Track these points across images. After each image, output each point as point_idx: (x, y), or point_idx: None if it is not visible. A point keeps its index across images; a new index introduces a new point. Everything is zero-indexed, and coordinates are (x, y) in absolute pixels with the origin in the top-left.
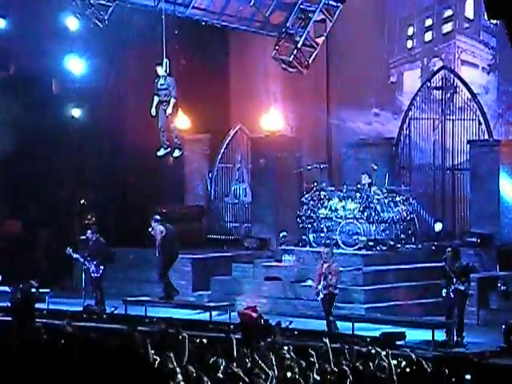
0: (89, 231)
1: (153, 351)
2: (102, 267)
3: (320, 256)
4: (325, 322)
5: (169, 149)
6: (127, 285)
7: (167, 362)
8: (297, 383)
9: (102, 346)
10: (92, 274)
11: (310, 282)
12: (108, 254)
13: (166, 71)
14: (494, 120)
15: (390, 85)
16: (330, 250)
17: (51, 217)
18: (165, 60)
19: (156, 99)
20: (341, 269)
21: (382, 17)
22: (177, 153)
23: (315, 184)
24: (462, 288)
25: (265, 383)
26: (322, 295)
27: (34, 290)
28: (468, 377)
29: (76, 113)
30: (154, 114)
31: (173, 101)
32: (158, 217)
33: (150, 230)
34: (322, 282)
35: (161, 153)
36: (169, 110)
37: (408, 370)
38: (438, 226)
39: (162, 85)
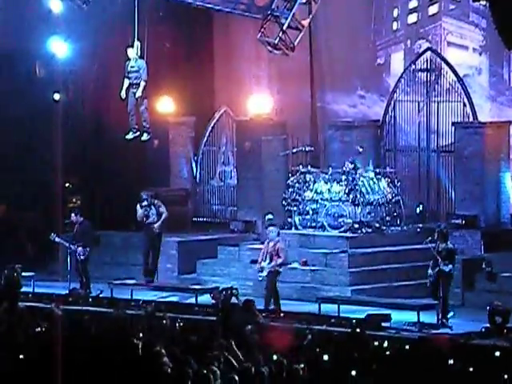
0: (73, 214)
1: (140, 334)
2: (87, 249)
3: (268, 235)
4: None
5: (138, 132)
6: (113, 268)
7: (153, 344)
8: (282, 365)
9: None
10: (78, 257)
11: (295, 265)
12: (93, 237)
13: (137, 54)
14: (488, 101)
15: (377, 67)
16: (276, 229)
17: (36, 200)
18: (136, 42)
19: (126, 82)
20: (323, 251)
21: None
22: (145, 136)
23: (300, 167)
24: (447, 269)
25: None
26: (265, 272)
27: (16, 274)
28: (451, 361)
29: (59, 96)
30: (123, 97)
31: (143, 84)
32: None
33: (145, 206)
34: (267, 260)
35: (129, 136)
36: (138, 93)
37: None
38: (419, 208)
39: (132, 67)
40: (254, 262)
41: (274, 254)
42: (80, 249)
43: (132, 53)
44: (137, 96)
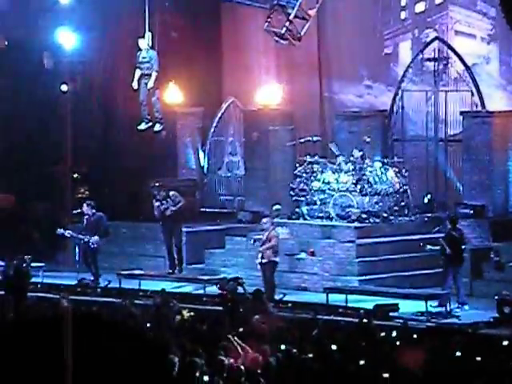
0: (85, 205)
1: (148, 324)
2: (99, 240)
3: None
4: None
5: (150, 123)
6: (121, 259)
7: (162, 335)
8: (290, 355)
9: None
10: (91, 246)
11: (303, 255)
12: (106, 228)
13: (148, 44)
14: (498, 90)
15: (385, 56)
16: (269, 220)
17: (45, 191)
18: (147, 33)
19: (138, 72)
20: (334, 241)
21: None
22: (157, 127)
23: (308, 157)
24: (447, 252)
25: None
26: (259, 260)
27: (25, 265)
28: (458, 354)
29: (68, 87)
30: (135, 88)
31: (154, 74)
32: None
33: (161, 201)
34: (261, 248)
35: (142, 127)
36: (150, 84)
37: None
38: (426, 198)
39: (144, 58)
40: (256, 240)
41: (266, 241)
42: (94, 238)
43: (143, 43)
44: (149, 87)
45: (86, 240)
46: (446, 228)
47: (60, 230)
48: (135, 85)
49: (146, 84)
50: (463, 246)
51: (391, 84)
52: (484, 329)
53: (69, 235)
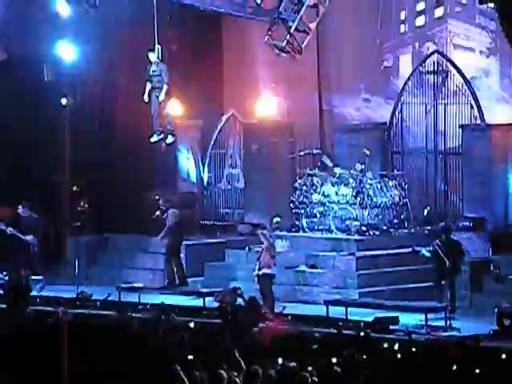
0: (20, 207)
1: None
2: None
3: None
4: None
5: (162, 135)
6: (121, 271)
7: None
8: (290, 368)
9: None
10: (32, 248)
11: (303, 267)
12: (42, 230)
13: (158, 57)
14: (499, 103)
15: (384, 69)
16: (265, 232)
17: (44, 204)
18: (157, 46)
19: (148, 85)
20: (334, 254)
21: (376, 1)
22: (170, 139)
23: (308, 169)
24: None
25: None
26: (256, 272)
27: (24, 277)
28: (454, 367)
29: (68, 99)
30: (146, 101)
31: (165, 87)
32: (169, 201)
33: (158, 213)
34: (258, 261)
35: (154, 139)
36: (161, 97)
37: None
38: (426, 210)
39: (154, 71)
40: (251, 249)
41: (261, 251)
42: (30, 237)
43: (153, 57)
44: (160, 99)
45: (27, 239)
46: (441, 238)
47: (2, 227)
48: (146, 98)
49: (157, 97)
50: (463, 256)
51: (390, 97)
52: (484, 341)
53: (10, 233)
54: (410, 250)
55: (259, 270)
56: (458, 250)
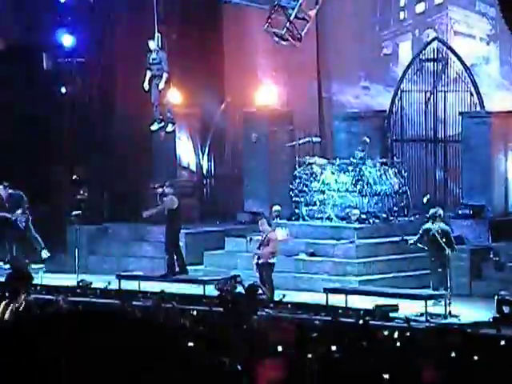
0: (1, 187)
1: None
2: (27, 216)
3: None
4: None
5: (162, 123)
6: (121, 260)
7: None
8: (290, 357)
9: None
10: (20, 223)
11: (302, 256)
12: (27, 206)
13: (158, 45)
14: (498, 90)
15: (383, 57)
16: (264, 221)
17: (44, 193)
18: (157, 34)
19: (148, 74)
20: (334, 242)
21: None
22: (170, 127)
23: (307, 157)
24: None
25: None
26: (255, 260)
27: (25, 266)
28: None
29: (67, 87)
30: (146, 89)
31: (165, 75)
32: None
33: (161, 196)
34: (258, 250)
35: (154, 127)
36: (161, 85)
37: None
38: (425, 198)
39: (154, 59)
40: (252, 239)
41: (265, 244)
42: (18, 213)
43: (153, 45)
44: (160, 88)
45: (14, 218)
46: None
47: None
48: (146, 86)
49: (157, 85)
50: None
51: (389, 85)
52: (484, 329)
53: None
54: (400, 239)
55: (259, 258)
56: (447, 237)
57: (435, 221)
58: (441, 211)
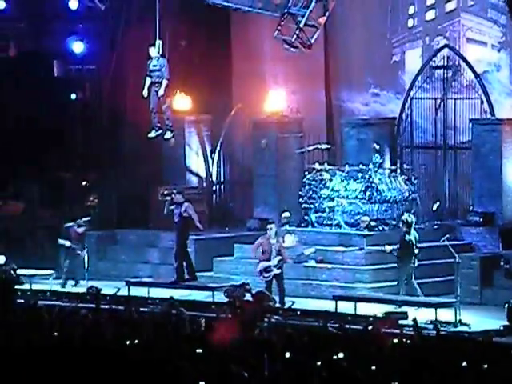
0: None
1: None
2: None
3: (269, 233)
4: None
5: (160, 130)
6: (130, 266)
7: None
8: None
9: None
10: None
11: (312, 263)
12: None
13: (158, 52)
14: (508, 97)
15: (393, 64)
16: (276, 228)
17: (53, 199)
18: (157, 41)
19: (148, 80)
20: (343, 249)
21: None
22: (168, 135)
23: (317, 164)
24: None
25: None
26: (275, 271)
27: (13, 271)
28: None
29: (77, 94)
30: (145, 96)
31: (165, 82)
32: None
33: (172, 207)
34: (277, 258)
35: (152, 134)
36: (161, 92)
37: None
38: (435, 205)
39: (154, 66)
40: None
41: (279, 253)
42: (82, 252)
43: (154, 51)
44: (159, 94)
45: (77, 253)
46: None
47: None
48: (145, 93)
49: (157, 92)
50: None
51: (399, 92)
52: (494, 337)
53: None
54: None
55: (278, 268)
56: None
57: (410, 229)
58: (408, 217)
